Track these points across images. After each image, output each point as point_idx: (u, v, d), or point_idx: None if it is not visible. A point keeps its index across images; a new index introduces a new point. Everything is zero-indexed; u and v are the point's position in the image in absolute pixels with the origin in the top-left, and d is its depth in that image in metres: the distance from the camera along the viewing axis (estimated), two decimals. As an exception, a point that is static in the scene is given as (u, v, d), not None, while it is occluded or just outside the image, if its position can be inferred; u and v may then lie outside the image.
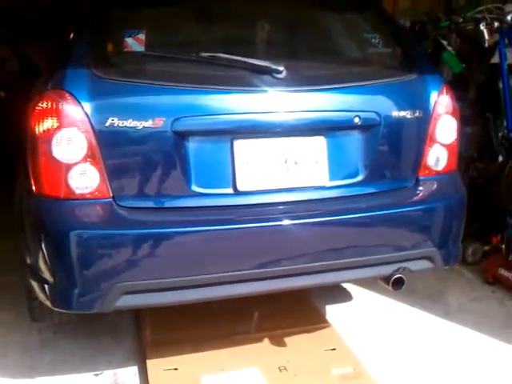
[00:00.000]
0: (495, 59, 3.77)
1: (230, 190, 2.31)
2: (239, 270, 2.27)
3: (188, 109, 2.24)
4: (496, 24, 3.53)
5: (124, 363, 2.71)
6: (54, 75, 2.23)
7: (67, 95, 2.14)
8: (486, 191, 3.70)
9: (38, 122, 2.15)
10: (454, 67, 3.91)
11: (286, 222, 2.32)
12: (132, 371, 2.65)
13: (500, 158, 3.66)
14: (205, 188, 2.29)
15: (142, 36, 2.29)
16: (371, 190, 2.51)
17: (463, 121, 2.71)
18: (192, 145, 2.25)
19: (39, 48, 4.00)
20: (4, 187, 2.83)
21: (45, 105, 2.15)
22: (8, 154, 3.44)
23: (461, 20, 3.73)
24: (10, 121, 3.49)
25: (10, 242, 3.77)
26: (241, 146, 2.30)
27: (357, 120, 2.41)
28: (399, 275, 2.45)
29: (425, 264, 2.55)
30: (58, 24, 3.12)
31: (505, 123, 3.66)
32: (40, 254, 2.20)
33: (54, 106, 2.13)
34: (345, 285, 3.44)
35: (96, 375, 2.62)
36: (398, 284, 2.47)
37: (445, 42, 3.92)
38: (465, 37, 3.85)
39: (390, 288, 2.48)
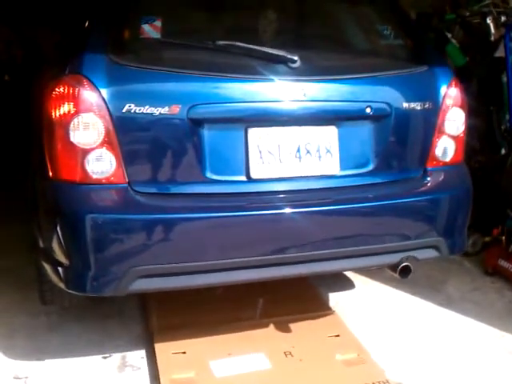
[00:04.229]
0: (498, 53, 3.81)
1: (244, 178, 2.34)
2: (252, 256, 2.30)
3: (204, 96, 2.27)
4: (503, 18, 3.57)
5: (131, 347, 2.74)
6: (71, 60, 2.24)
7: (85, 80, 2.15)
8: (487, 183, 3.74)
9: (55, 106, 2.16)
10: (457, 60, 3.95)
11: (298, 209, 2.36)
12: (140, 354, 2.69)
13: (502, 151, 3.72)
14: (219, 175, 2.31)
15: (158, 23, 2.31)
16: (381, 179, 2.55)
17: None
18: (207, 132, 2.28)
19: (45, 33, 4.00)
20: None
21: (62, 90, 2.16)
22: (13, 136, 3.45)
23: (467, 13, 3.76)
24: (15, 104, 3.50)
25: (5, 229, 3.82)
26: (255, 134, 2.33)
27: (368, 110, 2.45)
28: (406, 263, 2.49)
29: (431, 253, 2.60)
30: (65, 9, 3.13)
31: (507, 116, 3.71)
32: (55, 238, 2.22)
33: (71, 91, 2.15)
34: (347, 273, 3.49)
35: (104, 358, 2.65)
36: (405, 272, 2.51)
37: (449, 35, 3.95)
38: (470, 30, 3.89)
39: (397, 276, 2.52)
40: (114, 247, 2.18)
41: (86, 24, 2.34)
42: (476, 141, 3.82)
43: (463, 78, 3.78)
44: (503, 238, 3.57)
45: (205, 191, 2.32)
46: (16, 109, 3.62)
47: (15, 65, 4.39)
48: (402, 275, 2.51)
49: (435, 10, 4.17)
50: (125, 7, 2.38)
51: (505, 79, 3.73)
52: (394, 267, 2.53)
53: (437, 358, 2.70)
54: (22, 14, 4.28)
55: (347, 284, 3.42)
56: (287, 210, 2.35)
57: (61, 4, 3.47)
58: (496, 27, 3.62)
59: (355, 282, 3.44)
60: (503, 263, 3.50)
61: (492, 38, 3.65)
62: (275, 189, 2.39)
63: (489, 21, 3.58)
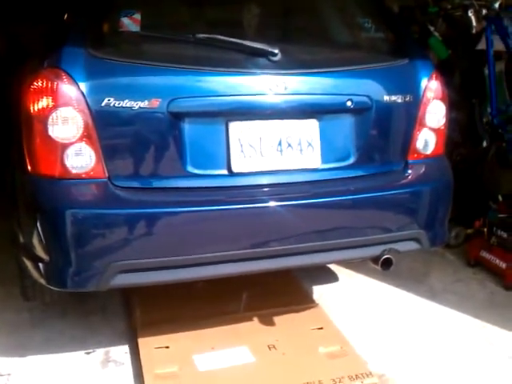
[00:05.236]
0: (480, 46, 3.83)
1: (225, 172, 2.33)
2: (233, 250, 2.30)
3: (184, 90, 2.25)
4: (484, 11, 3.59)
5: (114, 342, 2.72)
6: (50, 54, 2.21)
7: (63, 74, 2.12)
8: (468, 176, 3.77)
9: (34, 101, 2.13)
10: (440, 53, 3.96)
11: (279, 203, 2.35)
12: (123, 350, 2.68)
13: (484, 144, 3.74)
14: (200, 169, 2.30)
15: (137, 16, 2.29)
16: (362, 172, 2.55)
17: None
18: (188, 126, 2.26)
19: (28, 29, 3.94)
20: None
21: (40, 83, 2.14)
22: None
23: (449, 6, 3.77)
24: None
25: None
26: (236, 127, 2.32)
27: (349, 103, 2.45)
28: (388, 256, 2.50)
29: (412, 245, 2.61)
30: (48, 5, 3.09)
31: (489, 109, 3.73)
32: (35, 233, 2.20)
33: (50, 85, 2.12)
34: (331, 266, 3.50)
35: (88, 353, 2.64)
36: (386, 264, 2.52)
37: (432, 28, 3.96)
38: (452, 23, 3.90)
39: (379, 268, 2.53)
40: (94, 242, 2.16)
41: (65, 17, 2.31)
42: (458, 133, 3.84)
43: (446, 70, 3.81)
44: (485, 229, 3.60)
45: (186, 185, 2.30)
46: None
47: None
48: (384, 267, 2.52)
49: (418, 3, 4.17)
50: (104, 0, 2.36)
51: (486, 72, 3.75)
52: (375, 260, 2.54)
53: (419, 350, 2.72)
54: (7, 10, 4.22)
55: (331, 277, 3.43)
56: (269, 204, 2.34)
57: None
58: (478, 20, 3.63)
59: (339, 275, 3.45)
60: (485, 255, 3.53)
61: (474, 31, 3.66)
62: (257, 182, 2.38)
63: (470, 14, 3.59)
